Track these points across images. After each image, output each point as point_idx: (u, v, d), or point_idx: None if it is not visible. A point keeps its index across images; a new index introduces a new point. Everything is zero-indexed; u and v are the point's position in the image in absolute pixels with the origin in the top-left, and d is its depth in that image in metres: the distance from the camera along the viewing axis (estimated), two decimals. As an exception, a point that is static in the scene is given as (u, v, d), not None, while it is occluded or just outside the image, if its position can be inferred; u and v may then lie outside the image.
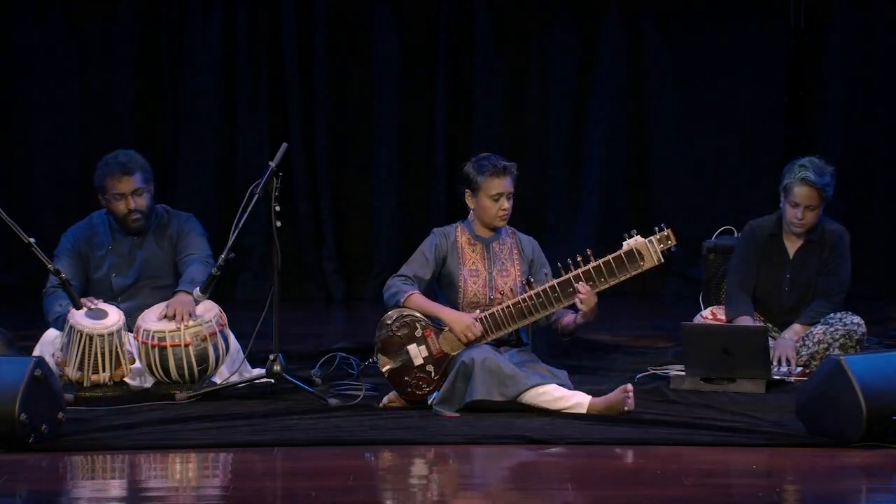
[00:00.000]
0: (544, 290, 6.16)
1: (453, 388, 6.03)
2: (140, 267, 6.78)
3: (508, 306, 6.18)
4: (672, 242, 6.13)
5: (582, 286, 6.11)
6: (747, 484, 5.22)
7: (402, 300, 6.24)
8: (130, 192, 6.68)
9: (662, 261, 6.14)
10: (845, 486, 5.17)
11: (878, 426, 5.42)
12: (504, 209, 6.30)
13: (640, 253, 6.12)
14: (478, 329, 6.15)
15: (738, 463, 5.42)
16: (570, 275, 6.15)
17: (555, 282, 6.17)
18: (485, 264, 6.35)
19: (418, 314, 6.22)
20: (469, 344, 6.15)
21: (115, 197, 6.69)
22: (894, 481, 5.19)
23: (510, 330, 6.21)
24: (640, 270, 6.14)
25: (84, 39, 10.02)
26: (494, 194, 6.29)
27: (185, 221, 6.85)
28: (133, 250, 6.79)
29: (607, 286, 6.17)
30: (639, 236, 6.14)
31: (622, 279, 6.14)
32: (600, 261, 6.13)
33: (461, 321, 6.17)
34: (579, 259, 6.15)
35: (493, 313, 6.19)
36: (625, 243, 6.14)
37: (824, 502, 5.00)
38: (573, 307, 6.19)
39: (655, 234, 6.14)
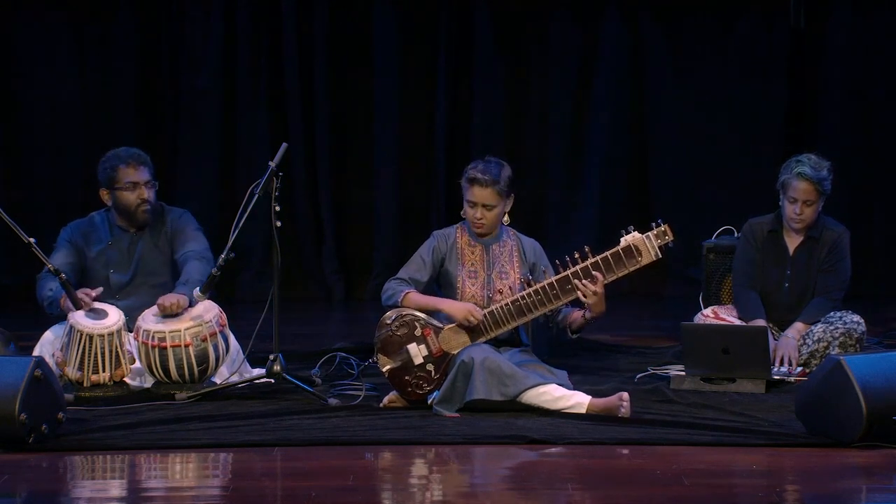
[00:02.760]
0: (542, 288, 6.16)
1: (453, 387, 6.04)
2: (137, 264, 6.79)
3: (507, 304, 6.18)
4: (669, 238, 6.14)
5: (597, 276, 6.08)
6: (747, 484, 5.22)
7: (399, 300, 6.25)
8: (144, 182, 6.71)
9: (660, 256, 6.14)
10: (845, 486, 5.17)
11: (878, 426, 5.42)
12: (477, 218, 6.30)
13: (637, 249, 6.12)
14: (479, 313, 6.15)
15: (738, 463, 5.42)
16: (569, 272, 6.15)
17: (553, 279, 6.17)
18: (484, 266, 6.36)
19: (417, 313, 6.23)
20: (472, 330, 6.15)
21: (128, 186, 6.71)
22: (894, 481, 5.19)
23: (510, 327, 6.21)
24: (638, 266, 6.15)
25: (84, 39, 10.02)
26: (470, 201, 6.30)
27: (180, 217, 6.86)
28: (132, 247, 6.80)
29: (606, 282, 6.16)
30: (636, 232, 6.14)
31: (620, 275, 6.14)
32: (598, 257, 6.14)
33: (461, 308, 6.19)
34: (577, 256, 6.16)
35: (492, 311, 6.19)
36: (622, 239, 6.14)
37: (824, 502, 5.00)
38: (578, 304, 6.19)
39: (652, 229, 6.14)
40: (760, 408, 6.22)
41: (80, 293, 6.43)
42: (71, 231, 6.83)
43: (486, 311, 6.20)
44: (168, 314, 6.45)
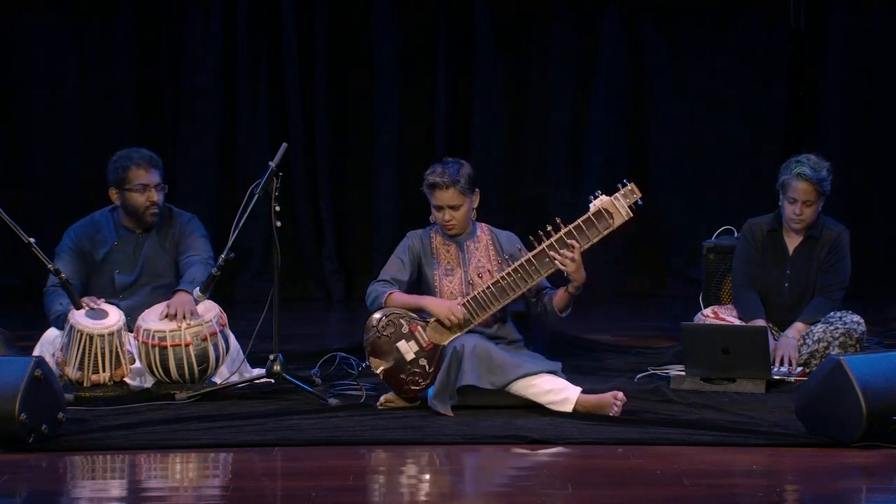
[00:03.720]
0: (521, 265, 6.17)
1: (447, 376, 6.04)
2: (142, 265, 6.79)
3: (489, 286, 6.19)
4: (637, 195, 6.15)
5: (571, 245, 6.09)
6: (747, 484, 5.22)
7: (382, 301, 6.25)
8: (154, 185, 6.71)
9: (632, 215, 6.15)
10: (845, 486, 5.17)
11: (878, 426, 5.42)
12: (446, 220, 6.32)
13: (608, 211, 6.13)
14: (460, 311, 6.16)
15: (738, 463, 5.43)
16: (544, 245, 6.16)
17: (530, 255, 6.18)
18: (459, 263, 6.36)
19: (402, 311, 6.23)
20: (455, 327, 6.16)
21: (138, 188, 6.71)
22: (894, 481, 5.19)
23: (494, 310, 6.19)
24: (611, 229, 6.15)
25: (84, 39, 10.02)
26: (435, 206, 6.32)
27: (188, 222, 6.87)
28: (137, 248, 6.80)
29: (581, 250, 6.15)
30: (604, 196, 6.16)
31: (595, 240, 6.14)
32: (571, 226, 6.15)
33: (443, 306, 6.19)
34: (550, 229, 6.16)
35: (475, 296, 6.19)
36: (591, 205, 6.15)
37: (824, 502, 5.00)
38: (558, 281, 6.19)
39: (619, 190, 6.15)
40: (760, 408, 6.22)
41: (84, 301, 6.44)
42: (76, 236, 6.82)
43: (469, 297, 6.20)
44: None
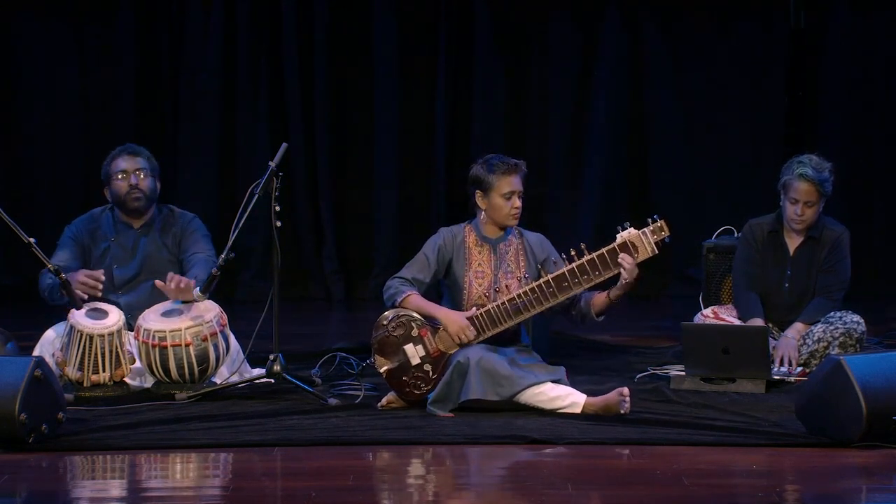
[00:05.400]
0: (538, 286, 6.15)
1: (449, 387, 6.04)
2: (142, 260, 6.81)
3: (503, 303, 6.17)
4: (665, 233, 6.11)
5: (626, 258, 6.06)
6: (747, 484, 5.22)
7: (398, 301, 6.24)
8: (133, 170, 6.73)
9: (657, 252, 6.12)
10: (845, 486, 5.17)
11: (878, 426, 5.42)
12: (517, 207, 6.29)
13: (633, 245, 6.11)
14: (471, 332, 6.14)
15: (738, 463, 5.43)
16: (565, 269, 6.14)
17: (549, 277, 6.15)
18: (491, 266, 6.34)
19: (414, 314, 6.21)
20: (465, 345, 6.15)
21: (119, 176, 6.75)
22: (894, 481, 5.19)
23: (506, 327, 6.18)
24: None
25: (84, 39, 10.03)
26: (506, 193, 6.27)
27: (190, 222, 6.90)
28: (136, 243, 6.83)
29: (602, 279, 6.14)
30: (632, 228, 6.13)
31: (617, 272, 6.13)
32: (594, 254, 6.12)
33: (456, 323, 6.16)
34: (573, 254, 6.15)
35: (488, 311, 6.17)
36: (618, 236, 6.13)
37: (824, 502, 5.00)
38: (595, 289, 6.16)
39: (649, 225, 6.13)
40: (760, 408, 6.22)
41: (85, 274, 6.43)
42: (76, 229, 6.86)
43: (482, 310, 6.18)
44: (180, 299, 6.47)
